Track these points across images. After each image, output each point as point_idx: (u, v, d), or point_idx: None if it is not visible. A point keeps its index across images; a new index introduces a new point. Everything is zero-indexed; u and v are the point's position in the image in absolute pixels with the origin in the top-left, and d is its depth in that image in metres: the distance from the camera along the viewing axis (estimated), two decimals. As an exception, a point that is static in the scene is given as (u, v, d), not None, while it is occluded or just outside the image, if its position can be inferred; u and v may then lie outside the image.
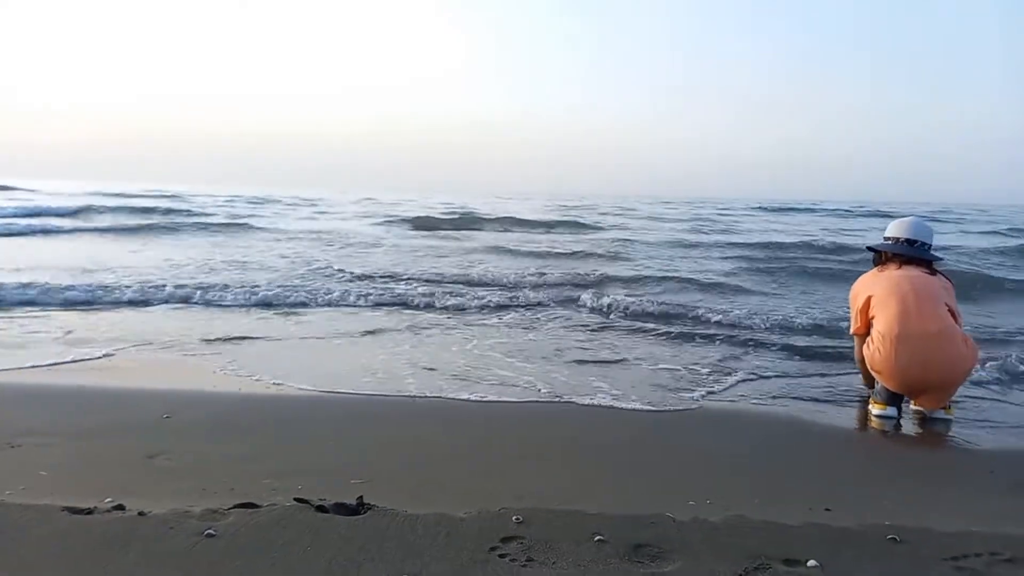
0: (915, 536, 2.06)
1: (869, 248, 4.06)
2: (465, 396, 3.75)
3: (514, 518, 2.02)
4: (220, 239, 13.91)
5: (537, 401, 3.73)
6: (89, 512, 1.96)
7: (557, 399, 3.77)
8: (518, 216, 22.34)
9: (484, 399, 3.72)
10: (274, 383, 3.88)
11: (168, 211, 20.33)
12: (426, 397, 3.72)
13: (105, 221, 17.15)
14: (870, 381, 3.88)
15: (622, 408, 3.63)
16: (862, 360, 3.85)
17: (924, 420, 3.64)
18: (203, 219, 18.03)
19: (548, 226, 19.98)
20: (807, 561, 1.86)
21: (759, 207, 41.20)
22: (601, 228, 19.81)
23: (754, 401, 3.90)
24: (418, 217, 21.09)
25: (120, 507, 2.01)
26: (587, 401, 3.74)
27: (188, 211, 20.73)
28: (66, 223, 15.84)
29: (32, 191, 31.57)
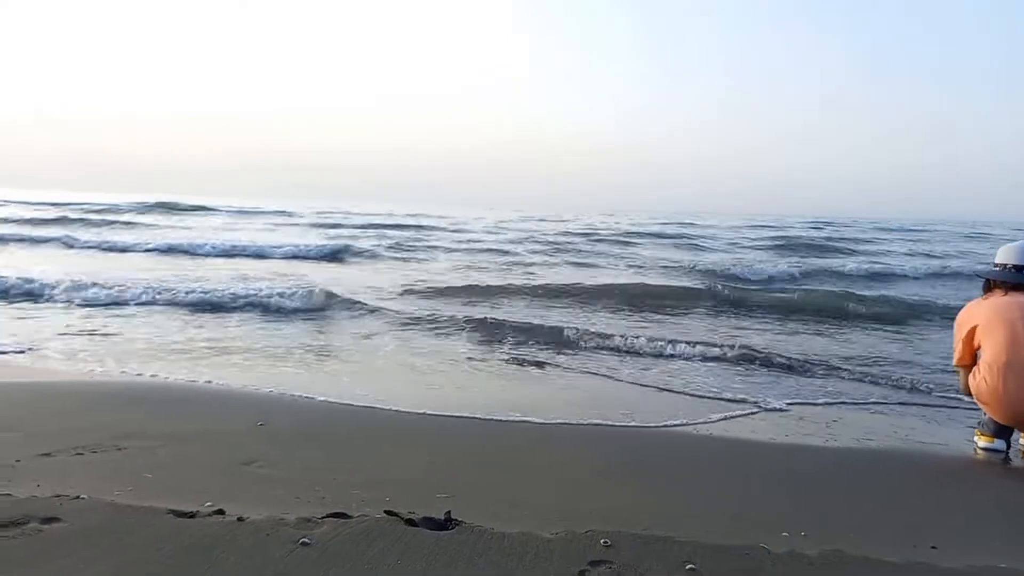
0: (1033, 582, 1.92)
1: (978, 275, 3.87)
2: (546, 418, 3.74)
3: (602, 541, 1.99)
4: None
5: (623, 424, 3.69)
6: (192, 516, 2.03)
7: (640, 422, 3.71)
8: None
9: (567, 420, 3.69)
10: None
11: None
12: (510, 417, 3.73)
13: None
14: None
15: (708, 433, 3.55)
16: (967, 392, 3.66)
17: (1035, 455, 3.42)
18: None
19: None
20: (914, 603, 1.76)
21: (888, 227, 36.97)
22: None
23: (848, 429, 3.74)
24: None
25: (220, 512, 2.08)
26: (670, 424, 3.67)
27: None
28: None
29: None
